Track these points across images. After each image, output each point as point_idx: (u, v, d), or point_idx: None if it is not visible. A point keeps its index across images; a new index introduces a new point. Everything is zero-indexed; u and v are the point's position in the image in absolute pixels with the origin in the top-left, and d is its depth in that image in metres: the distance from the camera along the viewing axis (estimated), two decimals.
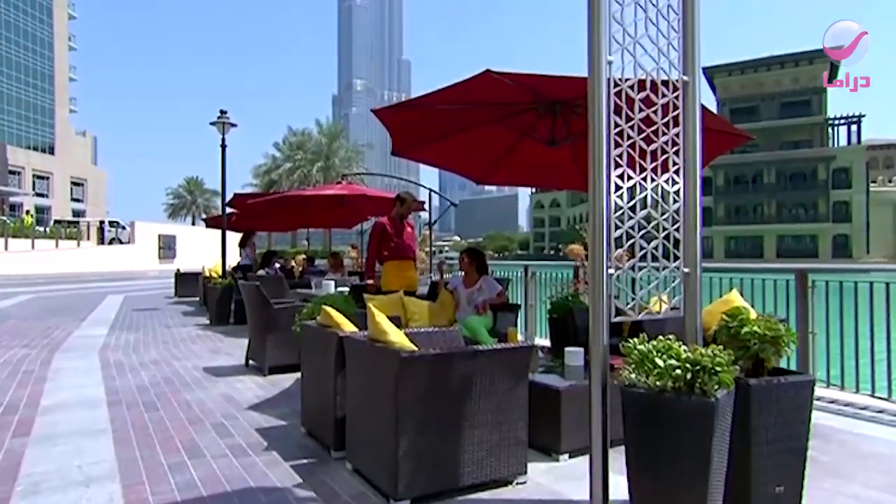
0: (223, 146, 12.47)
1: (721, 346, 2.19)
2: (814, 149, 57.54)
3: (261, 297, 5.78)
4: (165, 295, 15.66)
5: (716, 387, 2.05)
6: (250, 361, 6.07)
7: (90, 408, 4.35)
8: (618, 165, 2.53)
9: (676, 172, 2.71)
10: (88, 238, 30.92)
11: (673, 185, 2.70)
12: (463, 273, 5.61)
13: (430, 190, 12.10)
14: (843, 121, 58.45)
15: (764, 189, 58.98)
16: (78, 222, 33.24)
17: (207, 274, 12.87)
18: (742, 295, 4.52)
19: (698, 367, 2.05)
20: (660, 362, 2.19)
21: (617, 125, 2.53)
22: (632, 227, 2.58)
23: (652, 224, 2.66)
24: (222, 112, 12.58)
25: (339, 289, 7.04)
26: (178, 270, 16.63)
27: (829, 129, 59.45)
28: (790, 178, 58.36)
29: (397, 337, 2.93)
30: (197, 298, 13.98)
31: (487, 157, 5.78)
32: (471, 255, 5.57)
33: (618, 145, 2.53)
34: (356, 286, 6.63)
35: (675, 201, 2.71)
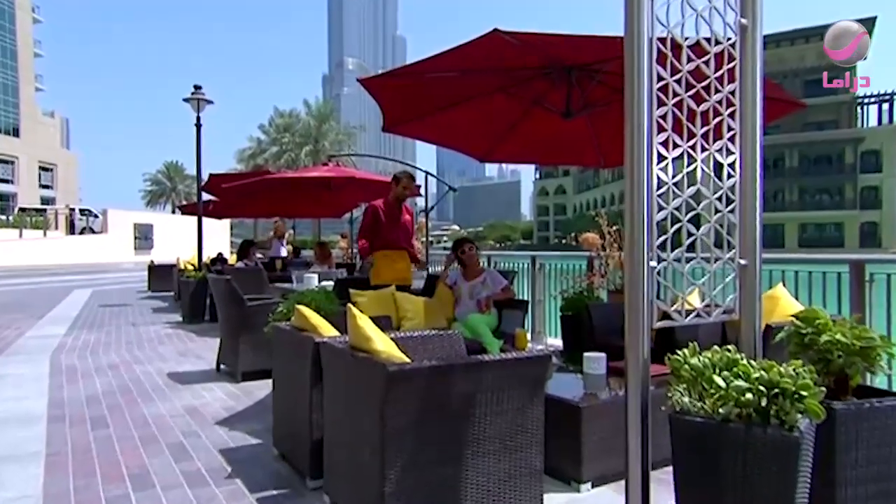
0: (198, 125, 12.08)
1: (800, 362, 1.81)
2: (841, 130, 56.98)
3: (232, 292, 5.39)
4: (138, 289, 15.30)
5: (797, 416, 1.66)
6: (221, 366, 5.70)
7: (25, 425, 3.96)
8: (661, 129, 2.13)
9: (732, 140, 2.31)
10: (56, 227, 30.42)
11: (727, 156, 2.31)
12: (459, 266, 5.22)
13: (427, 173, 11.68)
14: (873, 99, 57.81)
15: (785, 174, 58.50)
16: (45, 210, 32.72)
17: (182, 266, 12.49)
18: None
19: (776, 391, 1.66)
20: (720, 381, 1.80)
21: (661, 78, 2.12)
22: (677, 208, 2.19)
23: (702, 204, 2.27)
24: (196, 87, 12.16)
25: (324, 283, 6.66)
26: (151, 262, 16.23)
27: (858, 109, 58.80)
28: (814, 161, 57.89)
29: (384, 345, 2.54)
30: (172, 293, 13.61)
31: (492, 130, 5.40)
32: (473, 244, 5.18)
33: (661, 104, 2.13)
34: (342, 280, 6.24)
35: (729, 176, 2.31)
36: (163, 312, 10.63)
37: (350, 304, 2.73)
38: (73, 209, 32.66)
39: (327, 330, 3.22)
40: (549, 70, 4.53)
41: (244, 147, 53.96)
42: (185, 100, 12.00)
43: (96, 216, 33.00)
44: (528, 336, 4.46)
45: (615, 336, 4.66)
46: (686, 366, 1.94)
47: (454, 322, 4.96)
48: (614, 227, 6.61)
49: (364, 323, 2.58)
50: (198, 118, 12.03)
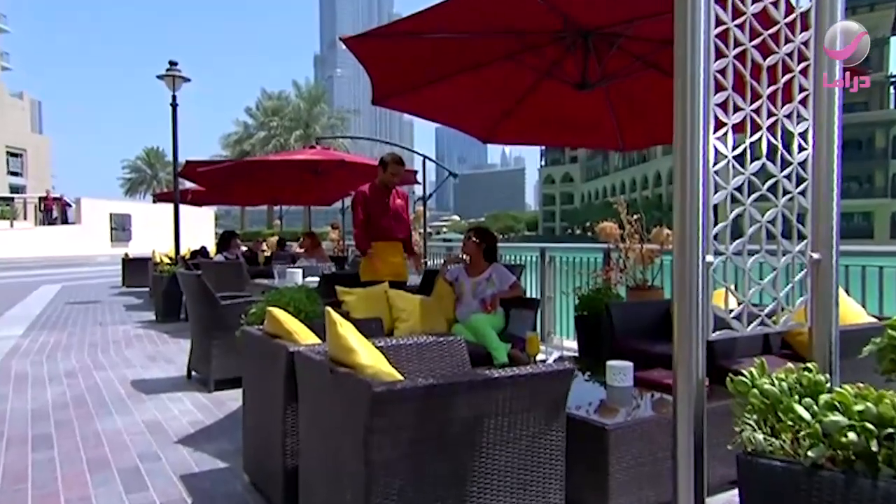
0: (174, 104, 11.73)
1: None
2: (871, 112, 56.36)
3: (203, 289, 5.05)
4: (112, 284, 14.96)
5: None
6: (193, 372, 5.38)
7: None
8: (720, 88, 1.79)
9: (804, 102, 1.97)
10: (25, 217, 29.99)
11: (798, 124, 1.97)
12: (467, 258, 4.88)
13: (425, 157, 11.32)
14: None
15: None
16: (12, 199, 32.28)
17: (157, 259, 12.16)
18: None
19: (890, 431, 1.32)
20: (804, 413, 1.46)
21: (720, 22, 1.78)
22: (738, 188, 1.85)
23: (767, 184, 1.93)
24: (172, 63, 11.79)
25: (309, 278, 6.34)
26: (125, 255, 15.88)
27: (891, 89, 58.14)
28: (841, 146, 57.39)
29: (370, 357, 2.21)
30: (147, 289, 13.29)
31: (496, 105, 5.06)
32: (479, 235, 4.83)
33: (720, 55, 1.78)
34: (329, 276, 5.90)
35: (801, 148, 1.97)
36: (135, 310, 10.32)
37: (329, 308, 2.39)
38: (44, 197, 32.12)
39: (306, 336, 2.89)
40: (563, 34, 4.19)
41: (230, 132, 53.60)
42: (160, 77, 11.64)
43: (69, 205, 32.57)
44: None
45: (640, 340, 4.37)
46: (755, 390, 1.60)
47: (455, 324, 4.63)
48: (634, 216, 6.28)
49: (346, 331, 2.25)
50: (173, 97, 11.69)
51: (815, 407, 1.50)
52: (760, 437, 1.49)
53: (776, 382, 1.60)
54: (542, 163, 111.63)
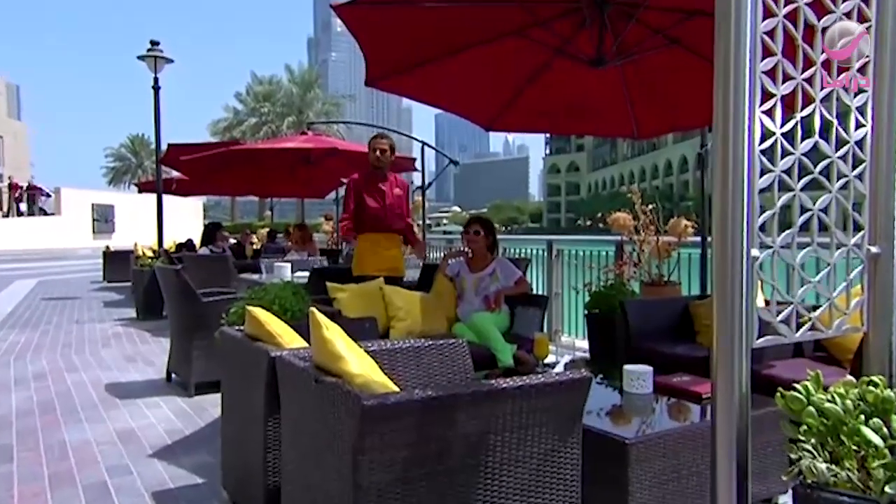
0: (156, 87, 11.53)
1: None
2: None
3: (182, 285, 4.88)
4: (92, 279, 14.82)
5: None
6: (172, 375, 5.21)
7: None
8: (768, 53, 1.59)
9: (863, 71, 1.77)
10: (2, 208, 29.79)
11: (856, 97, 1.77)
12: (470, 252, 4.70)
13: (424, 143, 11.11)
14: None
15: None
16: None
17: (140, 252, 11.99)
18: None
19: None
20: (874, 438, 1.29)
21: None
22: (787, 171, 1.65)
23: (820, 166, 1.73)
24: (153, 43, 11.58)
25: (299, 273, 6.16)
26: (106, 248, 15.72)
27: None
28: None
29: (360, 365, 2.03)
30: (129, 284, 13.13)
31: (502, 87, 4.87)
32: (483, 225, 4.65)
33: (769, 14, 1.59)
34: (320, 270, 5.71)
35: (858, 125, 1.78)
36: (115, 307, 10.18)
37: (313, 308, 2.21)
38: (17, 186, 31.79)
39: (291, 339, 2.71)
40: (576, 5, 4.01)
41: (219, 118, 53.38)
42: (140, 58, 11.42)
43: (48, 195, 32.37)
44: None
45: (659, 341, 4.19)
46: (811, 408, 1.42)
47: (457, 323, 4.46)
48: (649, 206, 6.11)
49: (332, 335, 2.06)
50: (155, 79, 11.49)
51: (886, 429, 1.33)
52: (823, 466, 1.31)
53: (837, 399, 1.42)
54: (547, 151, 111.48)
